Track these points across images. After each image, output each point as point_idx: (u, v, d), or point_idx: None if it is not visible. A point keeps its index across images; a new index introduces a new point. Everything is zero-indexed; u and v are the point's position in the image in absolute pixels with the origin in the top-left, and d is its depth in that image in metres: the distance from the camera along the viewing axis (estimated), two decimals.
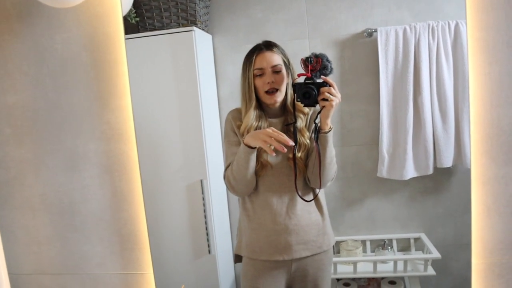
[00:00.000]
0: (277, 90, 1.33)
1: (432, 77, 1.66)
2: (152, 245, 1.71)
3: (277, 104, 1.36)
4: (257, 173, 1.32)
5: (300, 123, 1.34)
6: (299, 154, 1.32)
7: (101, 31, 1.35)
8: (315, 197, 1.36)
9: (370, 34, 1.73)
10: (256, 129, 1.33)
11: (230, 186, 1.35)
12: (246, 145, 1.25)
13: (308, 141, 1.34)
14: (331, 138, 1.28)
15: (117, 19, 1.33)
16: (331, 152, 1.30)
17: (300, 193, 1.31)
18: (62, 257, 1.49)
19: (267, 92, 1.33)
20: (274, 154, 1.20)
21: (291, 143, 1.17)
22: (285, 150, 1.20)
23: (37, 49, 1.41)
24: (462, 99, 1.64)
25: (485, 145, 1.24)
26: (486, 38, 1.21)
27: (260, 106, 1.37)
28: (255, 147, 1.26)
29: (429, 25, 1.64)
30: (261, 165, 1.32)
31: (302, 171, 1.33)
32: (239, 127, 1.35)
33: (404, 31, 1.67)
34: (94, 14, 1.35)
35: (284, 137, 1.17)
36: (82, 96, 1.40)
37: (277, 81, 1.32)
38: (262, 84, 1.32)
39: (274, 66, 1.32)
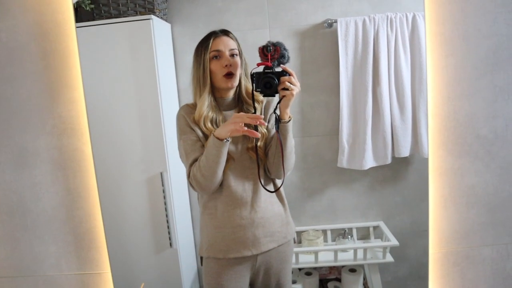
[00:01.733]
0: (233, 74, 1.30)
1: (390, 68, 1.68)
2: (112, 241, 1.67)
3: (231, 92, 1.34)
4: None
5: (257, 111, 1.32)
6: (259, 144, 1.30)
7: (50, 18, 1.27)
8: (279, 187, 1.35)
9: (330, 24, 1.74)
10: (211, 120, 1.30)
11: (197, 183, 1.28)
12: (217, 138, 1.20)
13: (265, 130, 1.32)
14: (291, 128, 1.26)
15: (67, 6, 1.25)
16: (291, 142, 1.29)
17: (263, 184, 1.30)
18: (13, 259, 1.39)
19: (225, 75, 1.29)
20: (259, 136, 1.20)
21: (262, 120, 1.16)
22: (259, 135, 1.19)
23: None
24: (419, 91, 1.68)
25: (442, 137, 1.27)
26: (443, 31, 1.22)
27: (213, 98, 1.33)
28: (227, 140, 1.21)
29: (387, 16, 1.67)
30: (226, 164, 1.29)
31: (263, 162, 1.32)
32: (194, 120, 1.30)
33: (364, 22, 1.69)
34: (41, 0, 1.26)
35: (255, 116, 1.17)
36: (30, 88, 1.31)
37: (234, 65, 1.29)
38: (219, 67, 1.28)
39: (231, 49, 1.30)
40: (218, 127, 1.28)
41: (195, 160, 1.29)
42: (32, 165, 1.35)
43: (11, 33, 1.29)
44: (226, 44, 1.29)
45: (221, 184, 1.31)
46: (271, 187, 1.35)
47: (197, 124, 1.29)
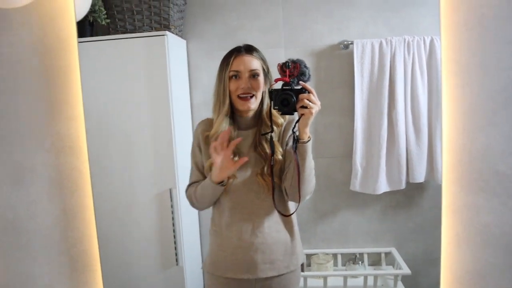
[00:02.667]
0: (252, 96, 1.24)
1: (407, 92, 1.65)
2: (117, 255, 1.66)
3: (250, 112, 1.28)
4: (224, 190, 1.26)
5: (274, 135, 1.26)
6: (267, 170, 1.25)
7: (53, 34, 1.26)
8: (292, 212, 1.29)
9: (347, 46, 1.72)
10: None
11: (190, 203, 1.34)
12: (215, 182, 1.21)
13: (280, 156, 1.26)
14: (310, 148, 1.19)
15: (70, 22, 1.24)
16: (311, 163, 1.21)
17: (277, 207, 1.25)
18: (6, 278, 1.36)
19: (240, 96, 1.24)
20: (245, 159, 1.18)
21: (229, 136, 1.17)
22: (246, 158, 1.17)
23: None
24: (436, 116, 1.64)
25: (456, 172, 1.19)
26: (459, 59, 1.15)
27: (232, 115, 1.29)
28: (222, 185, 1.22)
29: (404, 39, 1.64)
30: (228, 181, 1.25)
31: (278, 185, 1.27)
32: (206, 139, 1.28)
33: (380, 44, 1.66)
34: (45, 16, 1.25)
35: (222, 134, 1.17)
36: (30, 104, 1.29)
37: (253, 87, 1.23)
38: (236, 88, 1.23)
39: (251, 71, 1.24)
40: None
41: (195, 182, 1.32)
42: (29, 183, 1.32)
43: (13, 48, 1.28)
44: (247, 64, 1.23)
45: (225, 205, 1.28)
46: (286, 212, 1.30)
47: (207, 143, 1.28)
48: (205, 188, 1.25)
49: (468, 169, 1.18)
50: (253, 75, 1.24)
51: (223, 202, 1.29)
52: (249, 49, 1.26)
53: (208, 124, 1.31)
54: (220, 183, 1.22)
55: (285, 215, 1.28)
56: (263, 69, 1.26)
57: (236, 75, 1.23)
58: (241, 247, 1.26)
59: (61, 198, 1.32)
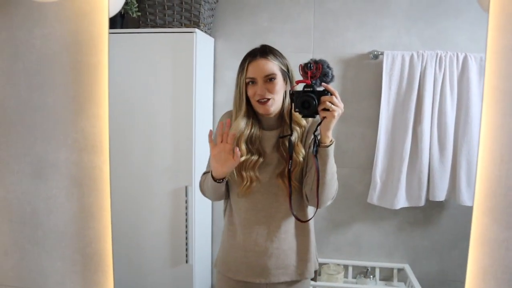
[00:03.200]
0: (268, 99, 1.21)
1: (434, 107, 1.61)
2: (128, 250, 1.66)
3: (271, 115, 1.25)
4: (243, 190, 1.23)
5: (296, 136, 1.23)
6: (292, 170, 1.21)
7: (85, 29, 1.24)
8: (310, 218, 1.27)
9: (376, 56, 1.68)
10: (248, 137, 1.24)
11: (202, 192, 1.33)
12: (215, 178, 1.19)
13: (301, 158, 1.23)
14: (332, 152, 1.15)
15: (103, 19, 1.22)
16: (332, 168, 1.17)
17: (294, 213, 1.22)
18: (19, 270, 1.36)
19: (258, 101, 1.21)
20: (240, 156, 1.14)
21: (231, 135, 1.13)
22: (239, 154, 1.14)
23: (12, 42, 1.30)
24: (463, 134, 1.59)
25: (489, 204, 1.11)
26: (503, 87, 1.07)
27: (256, 115, 1.27)
28: (220, 181, 1.19)
29: (437, 54, 1.60)
30: (249, 182, 1.22)
31: (297, 189, 1.24)
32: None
33: (411, 57, 1.63)
34: (78, 11, 1.23)
35: (221, 125, 1.14)
36: (57, 99, 1.29)
37: (270, 90, 1.20)
38: (253, 94, 1.21)
39: (267, 75, 1.20)
40: (254, 146, 1.24)
41: (208, 172, 1.28)
42: (49, 178, 1.32)
43: (45, 41, 1.27)
44: (261, 70, 1.20)
45: (242, 206, 1.26)
46: (303, 217, 1.27)
47: None
48: (207, 181, 1.23)
49: (502, 202, 1.10)
50: (269, 79, 1.21)
51: (241, 202, 1.27)
52: (264, 52, 1.23)
53: (231, 115, 1.30)
54: (221, 179, 1.19)
55: (302, 221, 1.25)
56: (282, 70, 1.23)
57: (252, 81, 1.21)
58: (255, 251, 1.24)
59: (79, 196, 1.31)
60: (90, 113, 1.28)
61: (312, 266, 1.31)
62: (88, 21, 1.24)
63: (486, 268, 1.13)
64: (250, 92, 1.22)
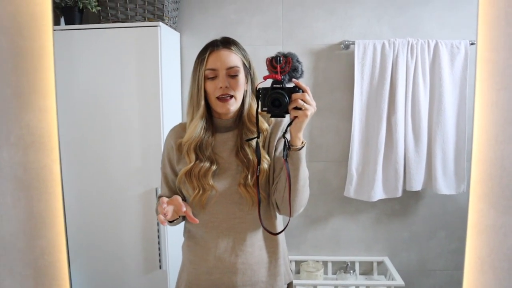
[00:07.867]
0: (231, 97, 1.08)
1: (408, 97, 1.59)
2: (99, 257, 1.57)
3: (230, 115, 1.12)
4: (196, 200, 1.09)
5: (259, 141, 1.08)
6: (251, 180, 1.09)
7: (26, 9, 1.07)
8: (282, 230, 1.12)
9: (347, 46, 1.65)
10: (201, 143, 1.10)
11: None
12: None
13: (266, 165, 1.09)
14: (303, 156, 1.02)
15: None
16: (304, 173, 1.04)
17: (264, 225, 1.08)
18: None
19: (219, 98, 1.07)
20: (165, 224, 1.02)
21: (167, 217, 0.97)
22: (165, 223, 1.00)
23: None
24: (437, 123, 1.58)
25: (485, 188, 1.03)
26: (497, 59, 0.99)
27: (209, 116, 1.13)
28: (175, 221, 1.10)
29: (408, 42, 1.58)
30: (201, 190, 1.09)
31: (266, 199, 1.11)
32: (179, 147, 1.13)
33: (383, 46, 1.60)
34: None
35: (162, 210, 0.98)
36: None
37: (232, 86, 1.07)
38: (213, 89, 1.07)
39: (229, 69, 1.07)
40: (205, 152, 1.10)
41: (161, 196, 1.15)
42: None
43: None
44: (224, 61, 1.07)
45: (203, 217, 1.10)
46: (271, 228, 1.14)
47: (181, 151, 1.13)
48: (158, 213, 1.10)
49: (499, 185, 1.04)
50: (232, 73, 1.08)
51: (199, 215, 1.11)
52: (227, 43, 1.10)
53: (180, 130, 1.16)
54: (173, 220, 1.09)
55: (272, 233, 1.12)
56: (244, 65, 1.11)
57: (213, 75, 1.08)
58: (219, 267, 1.10)
59: (27, 201, 1.15)
60: (36, 106, 1.11)
61: (283, 280, 1.16)
62: (28, 0, 1.08)
63: (483, 258, 1.06)
64: (209, 88, 1.08)
